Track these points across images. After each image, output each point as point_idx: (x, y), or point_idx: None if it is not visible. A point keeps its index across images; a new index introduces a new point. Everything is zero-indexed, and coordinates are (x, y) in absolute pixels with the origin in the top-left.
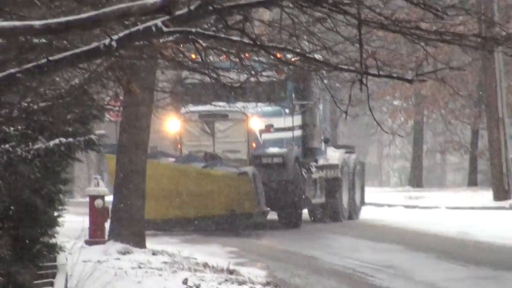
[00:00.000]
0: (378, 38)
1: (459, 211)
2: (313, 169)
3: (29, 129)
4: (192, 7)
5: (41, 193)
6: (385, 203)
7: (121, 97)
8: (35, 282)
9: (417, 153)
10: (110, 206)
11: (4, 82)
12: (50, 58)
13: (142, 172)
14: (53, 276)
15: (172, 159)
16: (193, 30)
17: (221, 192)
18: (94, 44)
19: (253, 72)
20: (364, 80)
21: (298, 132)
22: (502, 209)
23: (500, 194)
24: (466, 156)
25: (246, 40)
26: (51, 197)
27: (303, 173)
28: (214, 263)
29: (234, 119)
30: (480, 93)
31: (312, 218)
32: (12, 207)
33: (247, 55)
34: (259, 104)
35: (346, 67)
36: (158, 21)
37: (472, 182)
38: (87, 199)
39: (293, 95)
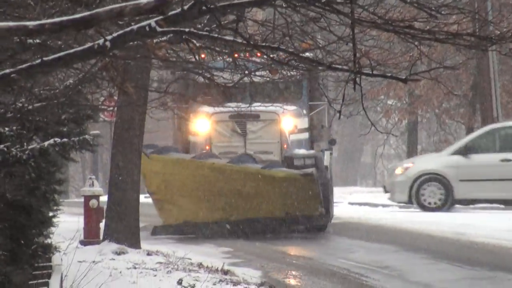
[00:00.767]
0: (371, 38)
1: (453, 211)
2: None
3: (24, 130)
4: (185, 7)
5: (36, 194)
6: (380, 203)
7: (115, 97)
8: (30, 282)
9: (412, 152)
10: (105, 206)
11: None
12: (45, 58)
13: (137, 172)
14: (48, 276)
15: (222, 160)
16: (187, 30)
17: (278, 194)
18: (88, 45)
19: (246, 72)
20: (357, 79)
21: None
22: (496, 209)
23: None
24: None
25: (239, 39)
26: (46, 197)
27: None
28: (208, 264)
29: (266, 120)
30: (475, 92)
31: None
32: (7, 208)
33: (236, 55)
34: (277, 104)
35: (339, 66)
36: (152, 21)
37: None
38: (82, 199)
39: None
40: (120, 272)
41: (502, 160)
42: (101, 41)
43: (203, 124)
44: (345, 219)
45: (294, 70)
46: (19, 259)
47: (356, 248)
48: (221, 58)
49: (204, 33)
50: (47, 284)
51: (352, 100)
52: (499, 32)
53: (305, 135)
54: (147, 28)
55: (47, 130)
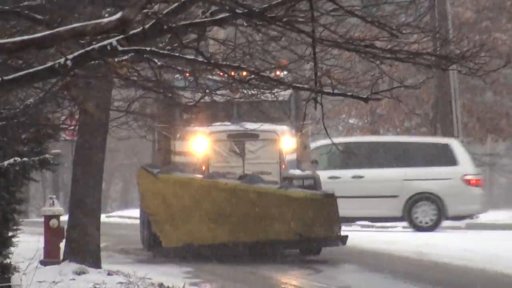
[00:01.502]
0: (332, 56)
1: (415, 231)
2: None
3: None
4: (146, 26)
5: None
6: (342, 223)
7: (77, 116)
8: None
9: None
10: (65, 226)
11: None
12: (5, 77)
13: (98, 192)
14: None
15: (232, 180)
16: (148, 49)
17: (292, 215)
18: (49, 64)
19: (207, 91)
20: (318, 98)
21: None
22: (458, 229)
23: None
24: None
25: (200, 58)
26: (5, 217)
27: None
28: (169, 284)
29: (265, 139)
30: (435, 111)
31: None
32: None
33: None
34: (267, 123)
35: (300, 85)
36: (113, 40)
37: None
38: (42, 219)
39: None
40: None
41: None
42: (62, 60)
43: (199, 143)
44: None
45: (255, 89)
46: None
47: (319, 268)
48: (181, 77)
49: (165, 52)
50: None
51: (313, 119)
52: (459, 51)
53: (294, 156)
54: (108, 47)
55: (7, 150)
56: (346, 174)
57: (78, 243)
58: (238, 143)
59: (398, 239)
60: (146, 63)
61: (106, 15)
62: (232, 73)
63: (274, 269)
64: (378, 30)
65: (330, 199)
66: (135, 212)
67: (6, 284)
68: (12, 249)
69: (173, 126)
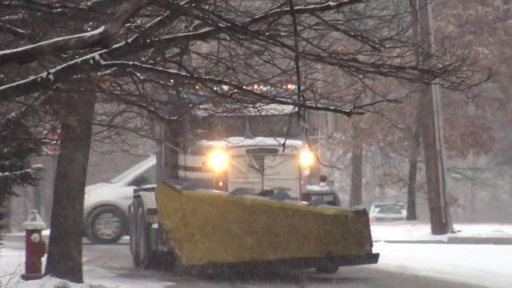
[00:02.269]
0: (315, 71)
1: (398, 244)
2: None
3: None
4: (129, 40)
5: None
6: None
7: (59, 131)
8: None
9: (356, 186)
10: (47, 241)
11: None
12: None
13: (79, 206)
14: None
15: (260, 197)
16: (130, 63)
17: (321, 232)
18: (31, 78)
19: (190, 105)
20: (302, 112)
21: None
22: (440, 243)
23: (438, 228)
24: (405, 189)
25: (183, 72)
26: None
27: None
28: None
29: (284, 154)
30: (418, 125)
31: None
32: None
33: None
34: (279, 138)
35: (283, 99)
36: (96, 54)
37: (411, 215)
38: (24, 233)
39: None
40: None
41: None
42: (44, 74)
43: (216, 159)
44: None
45: (238, 103)
46: None
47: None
48: (164, 91)
49: (148, 66)
50: None
51: (296, 133)
52: (442, 65)
53: (307, 171)
54: (91, 61)
55: None
56: None
57: (59, 257)
58: (257, 158)
59: (381, 252)
60: (129, 77)
61: (89, 29)
62: (215, 87)
63: (255, 284)
64: (361, 44)
65: (362, 215)
66: None
67: None
68: None
69: (184, 140)
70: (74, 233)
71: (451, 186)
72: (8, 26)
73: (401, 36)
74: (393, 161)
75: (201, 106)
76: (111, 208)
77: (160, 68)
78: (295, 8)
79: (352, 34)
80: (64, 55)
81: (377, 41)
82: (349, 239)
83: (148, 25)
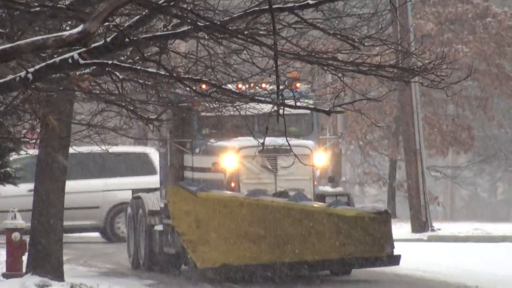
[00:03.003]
0: (295, 69)
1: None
2: None
3: None
4: (108, 39)
5: None
6: None
7: (38, 130)
8: None
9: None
10: (27, 239)
11: None
12: None
13: (60, 205)
14: None
15: (277, 198)
16: (110, 62)
17: (341, 234)
18: (9, 77)
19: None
20: (281, 111)
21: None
22: (420, 241)
23: (418, 226)
24: (385, 188)
25: (162, 72)
26: None
27: None
28: None
29: (298, 155)
30: (398, 124)
31: None
32: None
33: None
34: (290, 137)
35: (262, 98)
36: (75, 53)
37: (391, 214)
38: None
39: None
40: None
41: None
42: (23, 73)
43: (228, 159)
44: None
45: (216, 102)
46: None
47: (287, 283)
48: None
49: (127, 65)
50: None
51: (276, 131)
52: (421, 64)
53: (318, 172)
54: (70, 61)
55: None
56: None
57: (40, 256)
58: (270, 158)
59: None
60: (108, 76)
61: (68, 28)
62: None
63: (236, 283)
64: (340, 42)
65: (383, 216)
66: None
67: None
68: None
69: (192, 140)
70: (55, 232)
71: (431, 184)
72: None
73: (380, 34)
74: (373, 159)
75: (180, 105)
76: None
77: (139, 67)
78: (273, 6)
79: (331, 32)
80: (43, 54)
81: (356, 40)
82: (370, 240)
83: (127, 24)
